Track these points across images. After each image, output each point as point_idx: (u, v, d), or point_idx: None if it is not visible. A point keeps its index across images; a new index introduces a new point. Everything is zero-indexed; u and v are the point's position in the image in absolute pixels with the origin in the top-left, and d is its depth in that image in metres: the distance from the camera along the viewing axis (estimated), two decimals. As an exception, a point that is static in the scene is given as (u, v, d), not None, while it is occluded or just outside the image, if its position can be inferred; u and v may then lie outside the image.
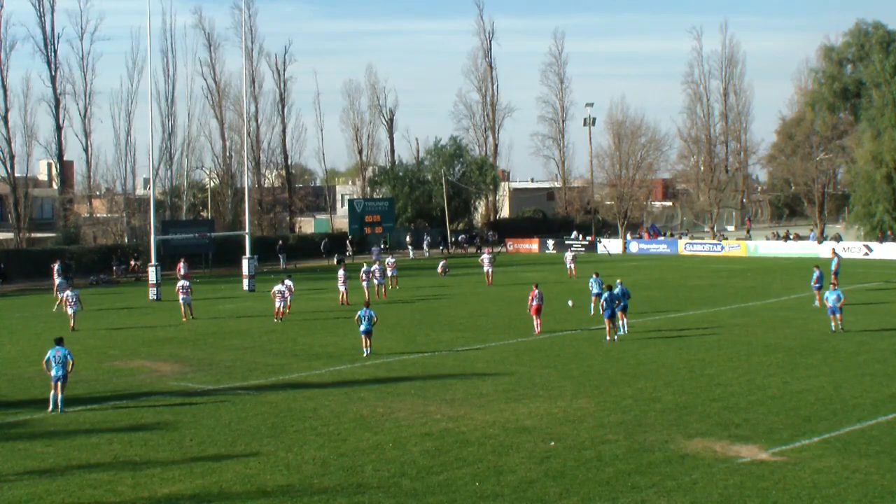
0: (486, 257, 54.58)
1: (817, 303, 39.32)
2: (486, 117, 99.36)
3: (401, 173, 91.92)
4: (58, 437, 20.96)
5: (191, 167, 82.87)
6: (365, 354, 30.35)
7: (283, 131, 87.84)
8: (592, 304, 38.15)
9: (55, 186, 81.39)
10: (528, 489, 16.76)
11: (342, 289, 44.60)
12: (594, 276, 39.07)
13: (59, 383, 23.41)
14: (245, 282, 53.27)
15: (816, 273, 40.08)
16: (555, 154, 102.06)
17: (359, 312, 30.66)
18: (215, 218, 78.56)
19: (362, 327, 30.33)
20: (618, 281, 34.27)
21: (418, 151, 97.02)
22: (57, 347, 23.73)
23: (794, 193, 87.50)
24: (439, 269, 58.93)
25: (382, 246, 75.75)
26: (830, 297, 33.26)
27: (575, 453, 18.81)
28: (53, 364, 23.43)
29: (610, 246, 78.04)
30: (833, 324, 33.11)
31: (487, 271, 53.29)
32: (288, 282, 41.05)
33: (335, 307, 43.38)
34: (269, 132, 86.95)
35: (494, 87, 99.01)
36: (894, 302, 41.69)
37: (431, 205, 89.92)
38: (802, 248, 69.89)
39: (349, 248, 74.28)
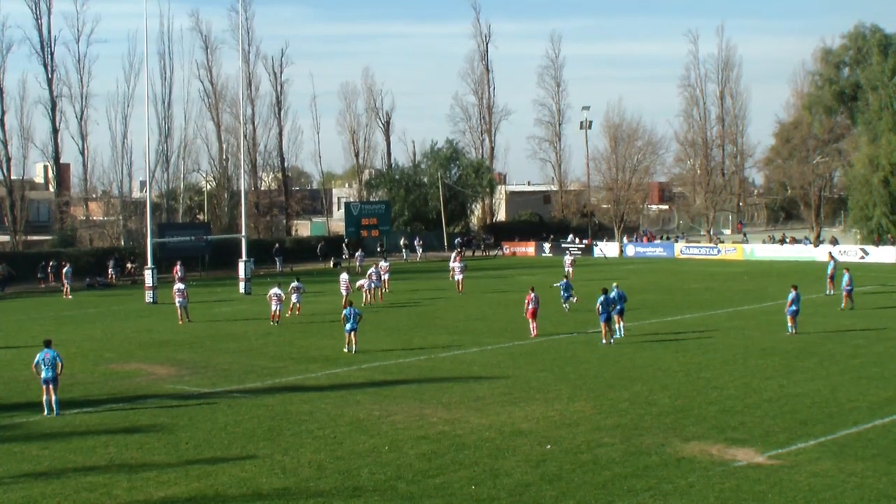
0: (456, 265, 51.85)
1: (843, 304, 40.27)
2: (483, 120, 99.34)
3: (397, 176, 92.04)
4: (54, 440, 20.94)
5: (187, 170, 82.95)
6: (346, 351, 31.26)
7: (280, 134, 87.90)
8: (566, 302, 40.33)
9: (51, 189, 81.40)
10: (524, 492, 16.75)
11: (344, 293, 44.30)
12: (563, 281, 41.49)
13: (49, 386, 23.35)
14: (241, 285, 53.29)
15: (847, 276, 40.30)
16: (551, 157, 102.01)
17: (344, 311, 31.80)
18: (212, 221, 78.45)
19: (348, 325, 31.27)
20: (614, 284, 34.32)
21: (415, 154, 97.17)
22: (46, 350, 23.65)
23: (791, 197, 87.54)
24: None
25: (379, 249, 75.71)
26: (790, 297, 33.38)
27: (571, 456, 18.81)
28: (43, 367, 23.36)
29: (606, 249, 78.10)
30: (790, 325, 33.35)
31: (458, 279, 50.60)
32: (296, 283, 41.54)
33: (332, 309, 43.23)
34: (266, 135, 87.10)
35: (491, 89, 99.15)
36: (890, 305, 41.73)
37: (428, 208, 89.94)
38: (798, 251, 69.99)
39: (345, 251, 74.21)
